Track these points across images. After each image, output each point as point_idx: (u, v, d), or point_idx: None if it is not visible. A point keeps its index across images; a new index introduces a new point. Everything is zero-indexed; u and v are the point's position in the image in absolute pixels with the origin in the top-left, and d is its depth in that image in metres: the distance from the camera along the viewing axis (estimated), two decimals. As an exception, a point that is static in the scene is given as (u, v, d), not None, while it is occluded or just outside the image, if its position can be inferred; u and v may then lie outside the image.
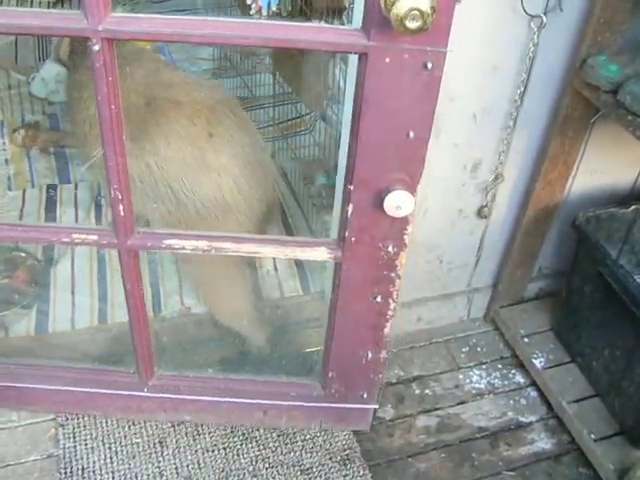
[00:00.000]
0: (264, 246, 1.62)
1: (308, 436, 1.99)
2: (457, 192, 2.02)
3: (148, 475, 1.87)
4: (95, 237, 1.60)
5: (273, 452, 1.95)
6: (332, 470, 1.92)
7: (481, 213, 2.07)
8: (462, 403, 2.14)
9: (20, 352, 2.07)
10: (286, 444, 1.97)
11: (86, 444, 1.92)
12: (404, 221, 1.50)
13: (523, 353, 2.21)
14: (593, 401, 2.05)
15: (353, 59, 1.52)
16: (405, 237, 1.54)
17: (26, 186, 2.68)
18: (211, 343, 2.18)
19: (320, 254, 1.60)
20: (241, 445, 1.95)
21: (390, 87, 1.31)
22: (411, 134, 1.37)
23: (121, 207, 1.50)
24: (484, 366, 2.25)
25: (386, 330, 1.74)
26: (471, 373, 2.22)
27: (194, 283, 2.25)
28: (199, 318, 2.22)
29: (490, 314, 2.35)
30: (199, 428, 1.98)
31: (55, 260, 2.37)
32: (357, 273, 1.61)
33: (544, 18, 1.70)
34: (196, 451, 1.93)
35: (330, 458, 1.95)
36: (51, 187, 2.68)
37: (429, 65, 1.27)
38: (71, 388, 1.93)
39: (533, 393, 2.17)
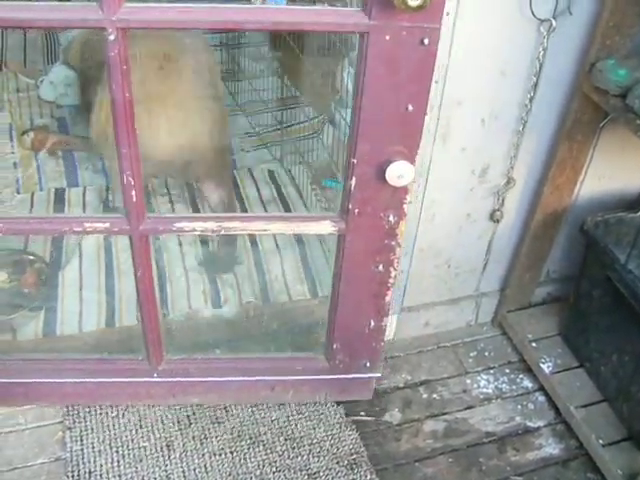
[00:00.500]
0: (272, 223, 1.70)
1: (315, 440, 1.99)
2: (465, 197, 2.02)
3: (155, 478, 1.87)
4: (107, 225, 1.64)
5: (280, 456, 1.94)
6: (339, 474, 1.91)
7: (493, 217, 2.06)
8: (470, 408, 2.13)
9: (28, 352, 2.09)
10: (293, 448, 1.96)
11: (93, 447, 1.92)
12: (404, 191, 1.59)
13: (531, 358, 2.21)
14: (601, 406, 2.04)
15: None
16: (404, 206, 1.62)
17: (34, 189, 2.70)
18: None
19: (325, 227, 1.68)
20: (248, 449, 1.95)
21: (390, 63, 1.39)
22: (410, 107, 1.46)
23: (133, 192, 1.56)
24: (492, 371, 2.24)
25: (387, 298, 1.82)
26: (479, 378, 2.22)
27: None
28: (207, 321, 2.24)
29: (498, 318, 2.34)
30: (206, 432, 1.98)
31: (63, 263, 2.38)
32: (360, 244, 1.69)
33: (553, 22, 1.69)
34: (203, 455, 1.93)
35: (337, 462, 1.94)
36: (59, 190, 2.69)
37: (425, 41, 1.36)
38: (80, 379, 1.95)
39: (541, 398, 2.16)
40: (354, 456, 1.96)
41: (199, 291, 2.33)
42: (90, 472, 1.86)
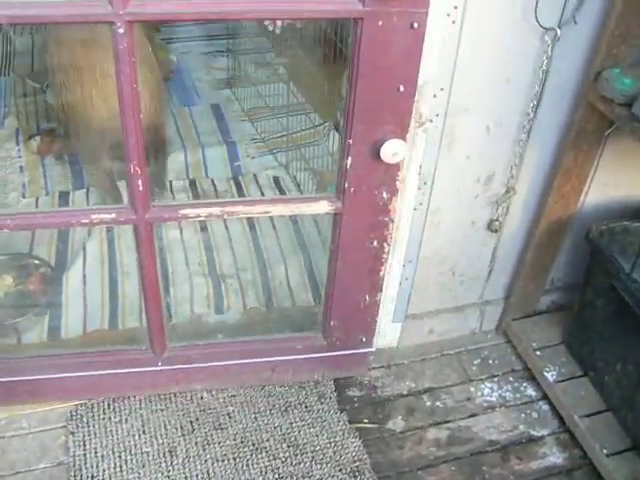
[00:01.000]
0: (273, 205, 1.78)
1: (318, 447, 1.98)
2: (470, 204, 2.02)
3: (158, 484, 1.88)
4: (113, 215, 1.68)
5: (283, 463, 1.94)
6: (342, 482, 1.91)
7: (491, 227, 2.06)
8: (473, 416, 2.13)
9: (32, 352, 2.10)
10: (296, 455, 1.96)
11: (96, 452, 1.92)
12: (396, 167, 1.68)
13: (535, 366, 2.20)
14: (605, 415, 2.03)
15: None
16: (397, 183, 1.72)
17: (40, 194, 2.71)
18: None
19: (322, 207, 1.77)
20: (251, 455, 1.95)
21: (383, 47, 1.48)
22: (401, 88, 1.55)
23: (140, 182, 1.60)
24: (495, 379, 2.24)
25: (381, 273, 1.91)
26: (482, 386, 2.21)
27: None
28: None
29: (502, 326, 2.34)
30: (209, 437, 1.98)
31: (67, 265, 2.38)
32: (355, 222, 1.78)
33: (558, 31, 1.69)
34: (206, 461, 1.93)
35: (340, 470, 1.94)
36: (63, 194, 2.71)
37: (415, 25, 1.46)
38: (83, 373, 1.97)
39: (545, 407, 2.15)
40: (357, 463, 1.95)
41: (202, 295, 2.34)
42: (92, 477, 1.87)
